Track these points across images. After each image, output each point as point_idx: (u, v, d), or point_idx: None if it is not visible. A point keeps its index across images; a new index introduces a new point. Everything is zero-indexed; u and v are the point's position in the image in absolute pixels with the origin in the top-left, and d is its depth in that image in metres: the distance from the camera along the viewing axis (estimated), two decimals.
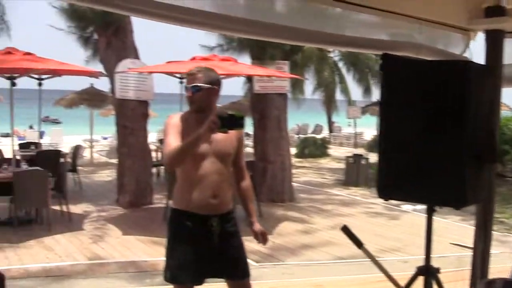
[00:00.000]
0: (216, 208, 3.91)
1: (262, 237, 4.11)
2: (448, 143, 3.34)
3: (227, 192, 3.98)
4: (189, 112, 3.99)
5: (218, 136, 3.75)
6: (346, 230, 3.70)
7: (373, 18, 4.05)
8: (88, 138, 22.38)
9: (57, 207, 10.65)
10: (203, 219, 3.88)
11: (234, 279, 4.07)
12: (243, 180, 4.18)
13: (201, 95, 3.87)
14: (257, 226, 4.11)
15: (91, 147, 21.79)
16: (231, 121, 3.57)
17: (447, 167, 3.36)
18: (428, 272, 3.75)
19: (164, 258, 4.02)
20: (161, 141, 18.55)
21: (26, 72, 11.32)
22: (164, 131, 3.95)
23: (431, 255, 3.79)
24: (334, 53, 28.01)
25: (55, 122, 45.86)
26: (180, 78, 12.86)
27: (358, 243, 3.70)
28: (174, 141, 3.78)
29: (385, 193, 3.73)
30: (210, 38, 14.37)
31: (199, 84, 3.87)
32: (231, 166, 4.06)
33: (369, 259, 3.83)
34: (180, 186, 3.98)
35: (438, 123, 3.38)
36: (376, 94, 28.13)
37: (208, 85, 3.89)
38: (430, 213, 3.73)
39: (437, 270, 3.71)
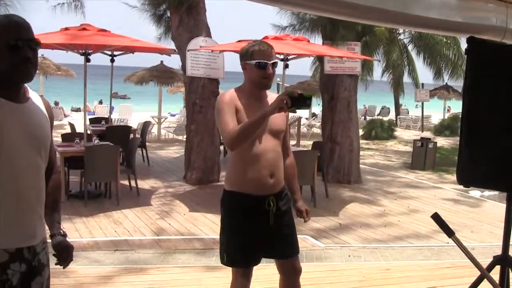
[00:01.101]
0: (272, 188, 3.85)
1: (306, 215, 4.06)
2: None
3: (281, 169, 3.93)
4: (241, 89, 3.89)
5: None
6: (437, 218, 3.59)
7: (455, 0, 3.93)
8: (156, 114, 22.68)
9: (125, 182, 10.85)
10: (259, 199, 3.81)
11: (285, 257, 4.03)
12: (288, 156, 4.12)
13: (275, 71, 3.82)
14: (301, 204, 4.09)
15: (159, 123, 22.09)
16: (300, 101, 3.49)
17: None
18: (505, 261, 3.64)
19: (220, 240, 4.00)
20: None
21: (100, 48, 11.50)
22: (217, 109, 3.78)
23: (509, 245, 3.67)
24: (404, 35, 27.45)
25: (124, 98, 46.71)
26: None
27: (449, 232, 3.57)
28: (231, 120, 3.68)
29: (465, 179, 3.62)
30: (282, 17, 14.28)
31: (276, 61, 3.82)
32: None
33: (459, 248, 3.68)
34: (234, 166, 3.90)
35: None
36: (445, 78, 27.49)
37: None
38: (510, 201, 3.60)
39: None
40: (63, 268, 2.96)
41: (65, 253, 2.92)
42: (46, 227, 2.88)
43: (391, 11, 3.78)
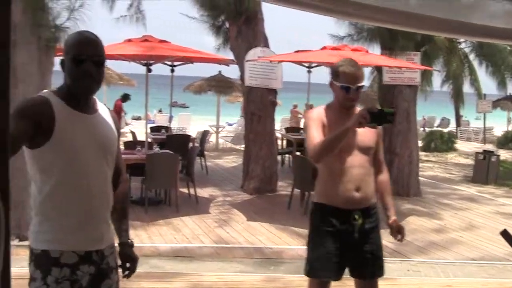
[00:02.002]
0: (359, 202, 3.88)
1: (398, 233, 4.01)
2: None
3: (370, 185, 3.95)
4: (330, 106, 3.98)
5: (360, 129, 3.69)
6: (506, 234, 3.50)
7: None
8: (214, 123, 22.89)
9: (185, 190, 10.99)
10: (345, 213, 3.86)
11: (367, 277, 4.03)
12: (381, 173, 4.12)
13: (359, 93, 3.88)
14: (395, 221, 4.02)
15: (217, 132, 22.28)
16: (381, 116, 3.52)
17: None
18: None
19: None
20: (287, 129, 18.69)
21: (161, 59, 11.71)
22: (305, 125, 3.95)
23: None
24: (466, 44, 26.97)
25: (183, 106, 47.20)
26: (307, 67, 12.84)
27: None
28: (317, 135, 3.78)
29: None
30: (340, 27, 14.22)
31: (362, 84, 3.89)
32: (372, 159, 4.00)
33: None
34: (322, 180, 3.98)
35: None
36: (510, 88, 26.86)
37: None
38: None
39: None
40: (126, 278, 3.08)
41: (129, 263, 3.04)
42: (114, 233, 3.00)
43: (451, 20, 3.73)
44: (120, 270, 3.05)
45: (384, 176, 4.14)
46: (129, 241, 3.08)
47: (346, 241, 3.87)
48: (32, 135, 2.61)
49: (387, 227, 4.04)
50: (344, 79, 3.82)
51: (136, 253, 3.12)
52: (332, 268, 3.90)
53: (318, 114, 3.91)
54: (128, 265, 3.08)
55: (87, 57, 2.69)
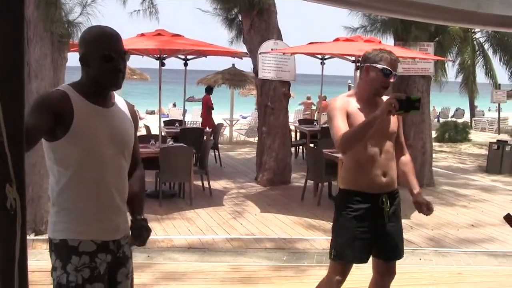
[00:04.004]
0: (386, 186, 4.00)
1: (426, 208, 4.04)
2: None
3: (394, 170, 4.06)
4: (353, 94, 4.05)
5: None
6: (509, 218, 3.56)
7: None
8: (228, 117, 22.96)
9: (198, 182, 11.08)
10: (373, 197, 3.97)
11: (389, 259, 4.16)
12: (404, 154, 4.22)
13: (393, 82, 3.96)
14: (421, 197, 4.08)
15: (231, 125, 22.35)
16: (409, 104, 3.58)
17: None
18: None
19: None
20: (300, 121, 18.72)
21: (174, 53, 11.77)
22: (329, 116, 3.97)
23: None
24: (481, 33, 26.82)
25: (200, 101, 47.19)
26: (321, 59, 12.87)
27: None
28: (343, 125, 3.84)
29: None
30: (353, 19, 14.23)
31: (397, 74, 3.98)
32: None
33: None
34: (348, 167, 4.08)
35: None
36: None
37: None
38: None
39: None
40: (137, 245, 3.08)
41: (144, 232, 3.06)
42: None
43: (466, 10, 3.76)
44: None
45: (407, 158, 4.23)
46: (143, 216, 3.09)
47: (374, 224, 3.99)
48: (51, 127, 2.69)
49: (415, 204, 4.09)
50: (386, 64, 3.91)
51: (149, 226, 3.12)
52: (358, 251, 4.01)
53: (342, 103, 3.96)
54: (141, 234, 3.05)
55: (115, 54, 2.77)
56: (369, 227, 3.98)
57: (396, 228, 4.11)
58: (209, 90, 19.41)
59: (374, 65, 3.92)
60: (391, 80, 3.91)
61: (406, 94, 3.72)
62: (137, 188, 3.13)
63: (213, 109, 18.75)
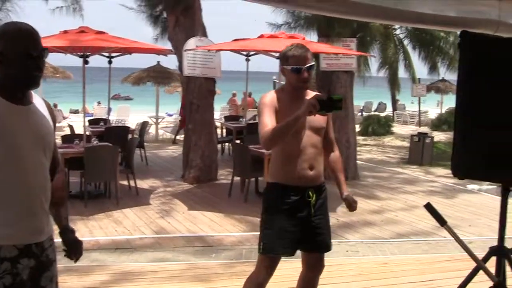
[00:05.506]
0: (312, 180, 4.04)
1: (352, 204, 4.19)
2: None
3: (321, 164, 4.11)
4: (283, 90, 4.09)
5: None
6: (429, 207, 3.66)
7: None
8: (153, 114, 22.75)
9: (125, 182, 10.92)
10: (300, 191, 4.01)
11: (317, 250, 4.21)
12: (333, 151, 4.29)
13: (311, 73, 3.98)
14: (350, 196, 4.20)
15: (157, 123, 22.16)
16: (330, 104, 3.61)
17: None
18: (501, 252, 3.70)
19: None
20: (226, 118, 18.74)
21: (98, 50, 11.57)
22: (258, 110, 4.02)
23: (504, 236, 3.73)
24: (400, 30, 27.55)
25: (127, 99, 46.66)
26: (246, 55, 12.92)
27: (442, 221, 3.65)
28: (270, 121, 3.86)
29: (460, 171, 3.68)
30: (278, 15, 14.36)
31: (312, 63, 3.98)
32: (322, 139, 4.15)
33: (450, 237, 3.75)
34: (276, 160, 4.11)
35: None
36: (441, 72, 27.57)
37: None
38: (505, 193, 3.67)
39: (510, 251, 3.66)
40: (74, 262, 3.11)
41: (75, 247, 3.06)
42: (53, 225, 3.00)
43: (385, 7, 3.85)
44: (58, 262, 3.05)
45: (336, 155, 4.31)
46: (70, 227, 3.09)
47: (301, 217, 4.03)
48: None
49: (343, 201, 4.22)
50: (294, 62, 3.93)
51: (78, 237, 3.13)
52: (287, 244, 4.04)
53: (271, 99, 3.98)
54: (74, 249, 3.08)
55: (34, 51, 2.70)
56: (296, 220, 4.02)
57: (323, 221, 4.16)
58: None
59: (285, 67, 3.99)
60: (305, 76, 3.94)
61: (328, 94, 3.76)
62: (61, 191, 3.08)
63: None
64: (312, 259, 4.25)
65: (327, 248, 4.25)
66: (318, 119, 4.00)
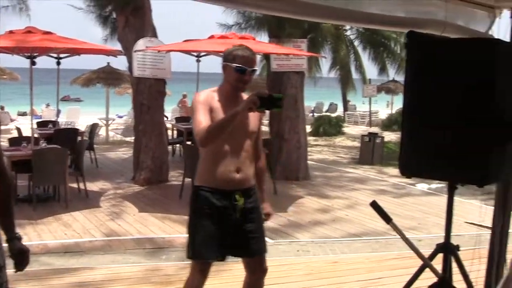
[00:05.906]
0: (239, 183, 3.97)
1: (267, 217, 4.24)
2: (473, 121, 3.31)
3: (250, 167, 4.04)
4: (219, 90, 4.03)
5: (245, 113, 3.79)
6: (375, 205, 3.70)
7: None
8: (104, 116, 22.49)
9: (74, 185, 10.78)
10: (226, 194, 3.94)
11: (252, 255, 4.13)
12: (259, 159, 4.24)
13: (252, 78, 3.96)
14: (268, 208, 4.25)
15: (107, 125, 21.91)
16: (270, 102, 3.62)
17: (471, 145, 3.35)
18: (447, 249, 3.77)
19: (185, 235, 4.06)
20: (177, 119, 18.64)
21: (45, 51, 11.37)
22: (193, 108, 3.94)
23: (450, 233, 3.80)
24: (351, 31, 27.81)
25: (77, 100, 45.95)
26: (196, 56, 12.87)
27: (387, 218, 3.70)
28: (204, 119, 3.80)
29: (407, 170, 3.72)
30: (228, 16, 14.34)
31: (256, 69, 4.00)
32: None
33: (398, 235, 3.80)
34: (204, 162, 4.03)
35: (464, 101, 3.37)
36: (391, 73, 27.94)
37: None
38: (451, 191, 3.75)
39: (456, 248, 3.73)
40: (21, 271, 3.00)
41: (22, 256, 2.96)
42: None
43: (335, 8, 3.87)
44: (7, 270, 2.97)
45: (262, 163, 4.27)
46: (17, 235, 2.99)
47: (228, 221, 3.95)
48: None
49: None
50: (241, 62, 3.89)
51: (26, 245, 3.04)
52: (215, 248, 3.96)
53: (206, 97, 3.93)
54: (20, 258, 2.97)
55: None
56: (224, 223, 3.95)
57: (255, 226, 4.09)
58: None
59: (228, 64, 3.94)
60: (247, 77, 3.92)
61: (269, 93, 3.76)
62: (7, 200, 2.97)
63: None
64: (252, 263, 4.18)
65: (260, 252, 4.16)
66: (251, 123, 3.98)
